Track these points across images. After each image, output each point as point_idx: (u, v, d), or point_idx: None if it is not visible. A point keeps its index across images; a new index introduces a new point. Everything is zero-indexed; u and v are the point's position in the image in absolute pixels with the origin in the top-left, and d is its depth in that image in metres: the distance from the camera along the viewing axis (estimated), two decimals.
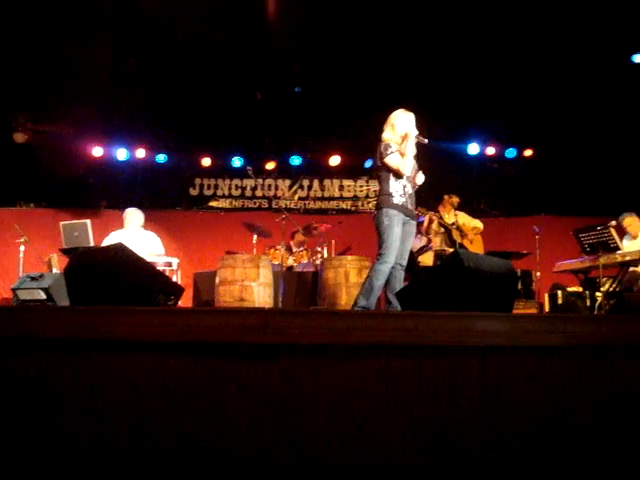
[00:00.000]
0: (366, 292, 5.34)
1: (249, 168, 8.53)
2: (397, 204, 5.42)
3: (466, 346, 2.95)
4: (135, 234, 7.83)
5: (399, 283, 5.41)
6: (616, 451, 2.94)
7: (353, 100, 9.27)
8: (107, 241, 7.54)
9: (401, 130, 5.61)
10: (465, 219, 8.55)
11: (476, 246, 8.34)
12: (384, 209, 5.45)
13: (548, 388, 2.98)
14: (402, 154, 5.51)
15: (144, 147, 10.64)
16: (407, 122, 5.64)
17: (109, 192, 10.79)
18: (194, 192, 11.12)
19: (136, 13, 7.84)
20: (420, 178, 5.67)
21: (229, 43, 8.50)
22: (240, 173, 10.85)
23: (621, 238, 7.20)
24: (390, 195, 5.49)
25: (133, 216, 7.96)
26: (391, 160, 5.48)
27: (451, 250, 7.72)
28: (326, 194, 11.09)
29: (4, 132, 10.02)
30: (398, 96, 9.24)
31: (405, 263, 5.52)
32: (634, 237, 7.62)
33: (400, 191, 5.48)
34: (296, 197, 11.13)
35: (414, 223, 5.61)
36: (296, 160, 10.90)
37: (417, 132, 5.60)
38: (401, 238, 5.40)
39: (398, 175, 5.50)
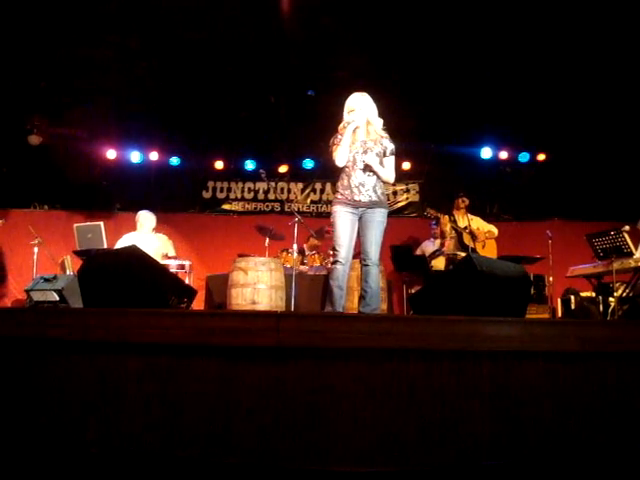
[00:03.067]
0: (328, 295, 5.22)
1: (262, 171, 8.54)
2: (340, 199, 5.25)
3: (478, 351, 2.94)
4: (147, 236, 7.87)
5: (373, 281, 5.12)
6: (629, 459, 2.92)
7: None
8: (120, 243, 7.58)
9: (345, 117, 5.39)
10: (479, 223, 8.54)
11: (489, 250, 8.33)
12: (332, 207, 5.37)
13: (560, 394, 2.96)
14: (335, 144, 5.33)
15: (157, 150, 10.70)
16: (348, 107, 5.39)
17: (122, 194, 10.87)
18: (207, 195, 11.16)
19: (150, 17, 7.89)
20: (368, 158, 5.23)
21: (242, 46, 8.52)
22: (253, 176, 10.89)
23: (636, 241, 7.17)
24: (336, 191, 5.38)
25: (146, 219, 8.01)
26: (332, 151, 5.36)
27: (463, 254, 7.70)
28: None
29: (19, 134, 10.09)
30: (411, 99, 9.31)
31: (373, 257, 5.14)
32: None
33: (345, 183, 5.27)
34: (308, 200, 11.14)
35: (378, 210, 5.21)
36: (309, 163, 10.92)
37: (359, 115, 5.28)
38: (354, 230, 5.21)
39: (340, 167, 5.33)
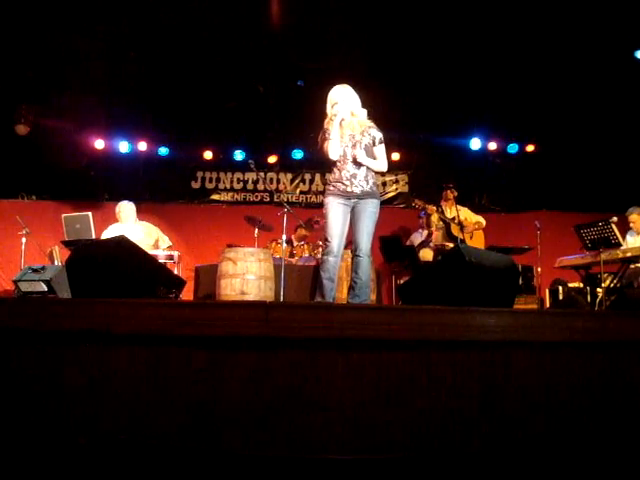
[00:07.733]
0: (318, 287, 5.15)
1: (251, 161, 8.51)
2: (332, 190, 5.21)
3: (467, 341, 2.95)
4: (133, 226, 7.82)
5: (363, 272, 5.08)
6: (617, 448, 2.94)
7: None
8: (106, 234, 7.54)
9: (329, 111, 5.34)
10: (467, 214, 8.54)
11: (477, 241, 8.33)
12: (324, 199, 5.33)
13: (548, 384, 2.98)
14: (325, 139, 5.27)
15: (146, 140, 10.66)
16: (331, 101, 5.34)
17: (111, 185, 10.80)
18: (196, 185, 11.13)
19: (138, 6, 7.84)
20: (359, 155, 5.18)
21: (231, 36, 8.49)
22: (242, 166, 10.86)
23: (623, 232, 7.20)
24: (328, 183, 5.34)
25: (129, 209, 7.94)
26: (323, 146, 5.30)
27: (451, 245, 7.71)
28: None
29: (6, 124, 10.02)
30: (400, 90, 9.30)
31: (364, 248, 5.10)
32: (638, 233, 7.61)
33: (337, 176, 5.23)
34: (298, 191, 11.14)
35: (370, 201, 5.17)
36: (298, 154, 10.89)
37: (342, 107, 5.23)
38: (346, 222, 5.16)
39: (330, 160, 5.27)
